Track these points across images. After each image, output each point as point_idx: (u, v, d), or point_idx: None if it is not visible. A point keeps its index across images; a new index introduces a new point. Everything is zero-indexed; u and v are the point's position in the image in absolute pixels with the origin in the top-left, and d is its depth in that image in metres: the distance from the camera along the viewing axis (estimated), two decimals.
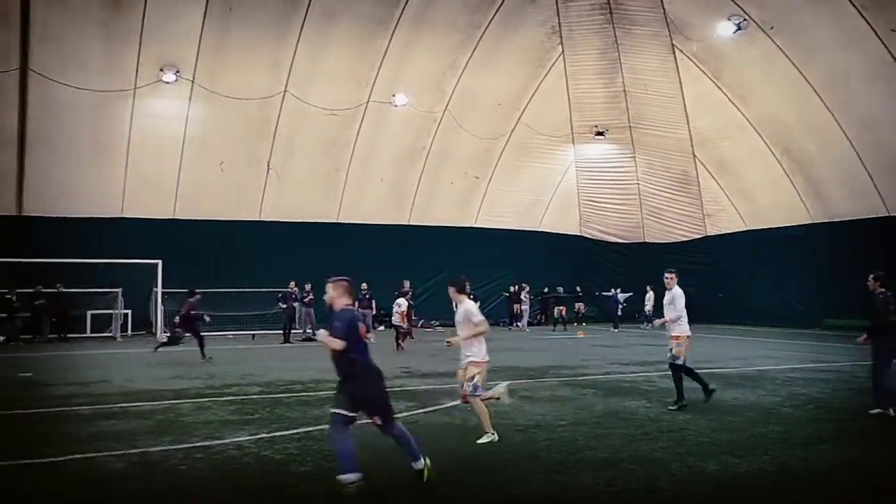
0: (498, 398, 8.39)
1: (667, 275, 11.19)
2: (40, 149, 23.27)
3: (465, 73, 26.90)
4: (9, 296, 22.08)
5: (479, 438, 8.00)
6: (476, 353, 7.93)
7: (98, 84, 22.88)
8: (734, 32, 23.51)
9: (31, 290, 22.49)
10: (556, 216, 32.65)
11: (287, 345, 21.57)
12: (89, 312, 24.37)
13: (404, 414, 9.63)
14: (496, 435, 7.95)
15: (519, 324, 29.10)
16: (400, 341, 20.10)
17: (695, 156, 29.28)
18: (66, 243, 22.84)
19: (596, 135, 30.64)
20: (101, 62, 22.70)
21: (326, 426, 8.74)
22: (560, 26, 27.08)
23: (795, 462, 7.29)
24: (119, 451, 7.58)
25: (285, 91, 24.91)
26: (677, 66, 26.87)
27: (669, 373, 10.55)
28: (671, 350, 10.44)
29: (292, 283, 23.21)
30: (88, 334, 24.12)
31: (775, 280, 27.94)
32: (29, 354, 18.84)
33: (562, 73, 28.76)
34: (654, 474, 6.71)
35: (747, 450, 7.66)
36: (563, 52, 28.02)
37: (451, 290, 8.19)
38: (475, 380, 7.88)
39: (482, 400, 8.06)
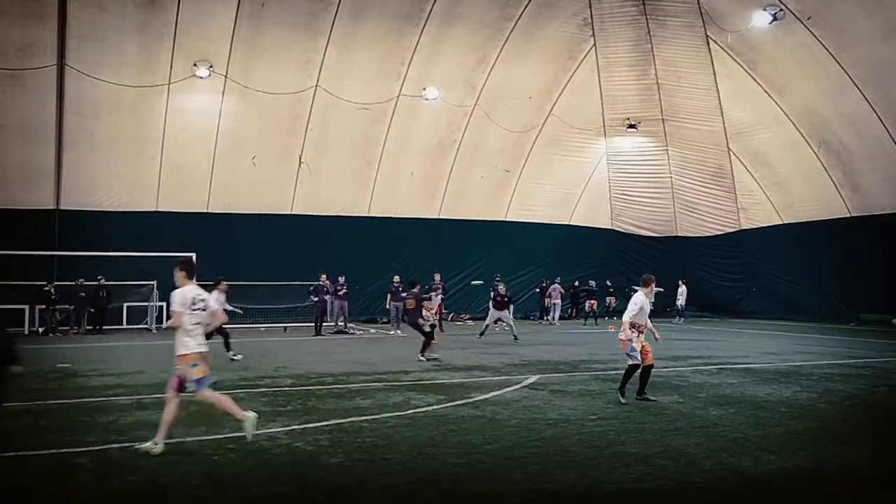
0: (241, 420, 7.46)
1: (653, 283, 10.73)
2: (77, 143, 23.68)
3: (496, 67, 26.81)
4: (47, 288, 22.54)
5: (508, 431, 7.97)
6: (183, 345, 7.29)
7: (133, 79, 23.20)
8: (770, 23, 23.12)
9: (71, 283, 22.93)
10: (588, 210, 32.43)
11: (318, 337, 21.72)
12: (125, 304, 24.79)
13: (433, 407, 9.66)
14: (161, 447, 7.01)
15: (549, 318, 28.98)
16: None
17: (729, 148, 28.89)
18: (102, 236, 23.31)
19: (628, 128, 30.38)
20: (136, 58, 22.99)
21: (357, 418, 8.85)
22: (592, 18, 26.83)
23: (832, 459, 7.18)
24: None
25: (317, 86, 25.04)
26: (711, 58, 26.50)
27: (701, 368, 10.44)
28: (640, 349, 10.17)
29: (323, 276, 23.32)
30: (125, 326, 24.57)
31: (811, 274, 27.52)
32: (67, 345, 19.22)
33: (594, 66, 28.52)
34: (687, 470, 6.65)
35: (782, 446, 7.55)
36: (595, 44, 27.77)
37: (179, 275, 7.44)
38: (187, 373, 7.24)
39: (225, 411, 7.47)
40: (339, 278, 23.39)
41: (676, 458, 7.06)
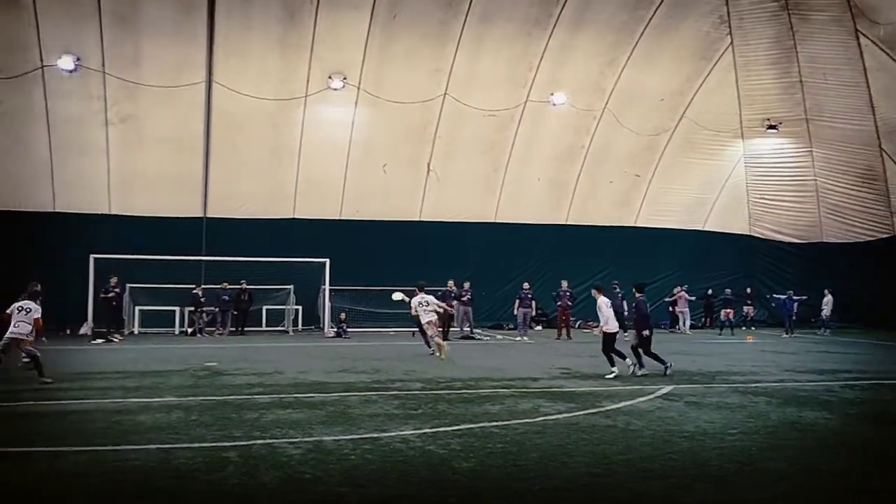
0: None
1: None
2: (222, 155, 25.17)
3: (626, 70, 26.26)
4: (196, 291, 24.03)
5: (642, 442, 7.78)
6: None
7: (273, 93, 24.44)
8: None
9: (217, 286, 24.37)
10: (723, 215, 31.12)
11: (445, 343, 21.91)
12: (264, 307, 26.07)
13: (564, 415, 9.55)
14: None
15: (679, 327, 27.93)
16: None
17: (881, 148, 26.95)
18: (244, 242, 24.61)
19: (768, 128, 28.96)
20: (276, 72, 24.22)
21: (488, 424, 8.89)
22: (729, 16, 25.81)
23: None
24: (296, 438, 8.05)
25: (445, 94, 25.43)
26: (861, 53, 24.87)
27: (852, 383, 9.79)
28: None
29: (451, 282, 23.53)
30: (264, 328, 25.84)
31: None
32: (213, 345, 20.41)
33: (730, 65, 27.38)
34: (837, 491, 6.24)
35: None
36: (731, 42, 26.67)
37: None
38: None
39: None
40: (465, 284, 23.55)
41: (824, 476, 6.65)
